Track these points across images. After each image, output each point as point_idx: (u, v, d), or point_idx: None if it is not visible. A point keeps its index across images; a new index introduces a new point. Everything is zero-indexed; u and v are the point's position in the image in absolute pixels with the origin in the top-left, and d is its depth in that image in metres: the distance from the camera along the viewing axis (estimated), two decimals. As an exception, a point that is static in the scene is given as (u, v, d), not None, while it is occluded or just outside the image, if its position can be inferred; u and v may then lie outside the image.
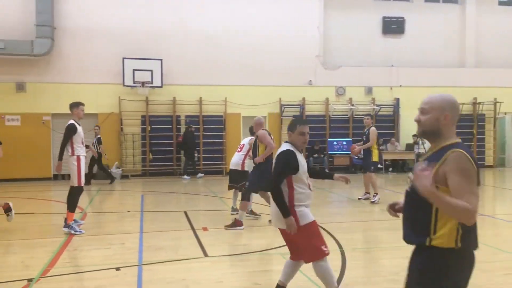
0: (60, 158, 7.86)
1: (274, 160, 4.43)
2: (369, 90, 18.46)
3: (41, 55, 15.64)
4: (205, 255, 6.37)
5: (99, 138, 14.80)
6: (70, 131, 8.08)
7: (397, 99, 18.50)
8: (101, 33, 16.46)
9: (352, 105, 18.24)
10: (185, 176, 16.44)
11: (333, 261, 5.90)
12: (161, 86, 16.48)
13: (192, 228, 8.07)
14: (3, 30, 15.41)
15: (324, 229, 7.82)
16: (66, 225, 7.63)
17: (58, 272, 5.57)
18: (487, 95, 18.93)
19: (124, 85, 16.20)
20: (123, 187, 14.36)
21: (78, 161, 7.89)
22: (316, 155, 17.67)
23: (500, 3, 19.95)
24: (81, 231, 7.67)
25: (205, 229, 7.96)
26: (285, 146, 4.38)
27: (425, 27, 19.04)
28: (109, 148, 16.10)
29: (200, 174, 16.89)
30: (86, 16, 16.40)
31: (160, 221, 8.97)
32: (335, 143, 18.03)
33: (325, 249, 4.24)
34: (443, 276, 2.58)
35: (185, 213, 9.63)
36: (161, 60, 16.40)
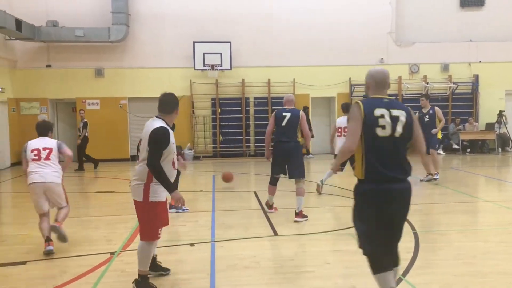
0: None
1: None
2: (445, 67, 17.53)
3: (117, 41, 16.38)
4: (275, 233, 6.45)
5: (85, 122, 14.53)
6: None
7: (476, 76, 17.43)
8: (172, 18, 16.91)
9: (427, 83, 17.44)
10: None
11: (406, 243, 5.78)
12: (230, 69, 16.69)
13: (262, 208, 8.19)
14: (82, 19, 16.29)
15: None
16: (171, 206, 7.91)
17: (137, 247, 5.90)
18: None
19: (195, 69, 16.59)
20: (195, 168, 14.81)
21: None
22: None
23: None
24: (186, 209, 8.03)
25: (275, 209, 8.04)
26: None
27: (508, -3, 17.68)
28: (181, 130, 16.65)
29: (310, 155, 16.71)
30: (158, 1, 16.90)
31: (231, 200, 9.19)
32: (408, 123, 17.36)
33: (159, 234, 4.44)
34: (357, 202, 3.69)
35: (255, 193, 9.78)
36: (230, 42, 16.57)
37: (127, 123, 17.03)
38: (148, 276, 4.53)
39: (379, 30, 17.31)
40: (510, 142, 17.26)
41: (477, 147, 17.12)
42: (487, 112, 17.48)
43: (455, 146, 17.18)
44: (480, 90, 17.51)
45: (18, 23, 14.31)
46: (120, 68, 16.85)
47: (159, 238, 4.53)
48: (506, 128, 17.18)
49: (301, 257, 5.39)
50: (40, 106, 16.59)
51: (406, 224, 6.66)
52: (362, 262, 5.09)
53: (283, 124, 7.23)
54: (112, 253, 5.61)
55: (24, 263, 5.37)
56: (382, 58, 17.49)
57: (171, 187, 4.27)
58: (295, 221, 7.08)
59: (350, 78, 17.43)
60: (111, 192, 10.44)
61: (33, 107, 16.56)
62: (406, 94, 17.52)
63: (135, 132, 16.89)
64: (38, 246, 6.01)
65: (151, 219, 4.39)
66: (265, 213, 7.78)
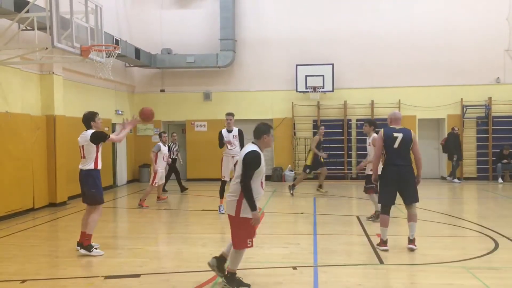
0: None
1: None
2: None
3: (224, 66, 17.18)
4: (381, 262, 6.20)
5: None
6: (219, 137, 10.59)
7: None
8: (275, 42, 17.35)
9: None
10: (455, 180, 15.99)
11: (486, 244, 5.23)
12: (332, 91, 16.61)
13: (366, 234, 7.94)
14: (194, 47, 17.37)
15: (518, 244, 6.95)
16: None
17: (241, 266, 6.02)
18: None
19: (297, 91, 16.78)
20: (298, 190, 14.83)
21: (221, 161, 10.40)
22: (505, 161, 15.77)
23: None
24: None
25: (379, 235, 7.74)
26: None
27: None
28: (282, 151, 16.86)
29: (456, 180, 16.05)
30: (262, 27, 17.46)
31: (333, 224, 9.04)
32: (528, 147, 15.84)
33: (249, 243, 5.05)
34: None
35: (358, 217, 9.53)
36: (332, 64, 16.54)
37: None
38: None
39: (495, 48, 16.14)
40: None
41: None
42: None
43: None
44: None
45: (137, 51, 15.66)
46: (226, 92, 17.61)
47: (249, 247, 5.08)
48: None
49: (409, 289, 5.11)
50: (154, 128, 17.87)
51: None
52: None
53: (395, 146, 6.75)
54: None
55: (138, 276, 5.74)
56: (498, 78, 16.26)
57: (254, 206, 4.88)
58: (410, 249, 6.71)
59: (462, 99, 16.41)
60: (215, 210, 10.84)
61: (148, 129, 17.88)
62: (527, 116, 16.03)
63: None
64: (151, 260, 6.40)
65: (240, 232, 5.03)
66: (369, 239, 7.53)
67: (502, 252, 6.62)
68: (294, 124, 17.29)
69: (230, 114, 10.59)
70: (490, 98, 16.21)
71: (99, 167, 6.86)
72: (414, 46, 16.55)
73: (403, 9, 16.72)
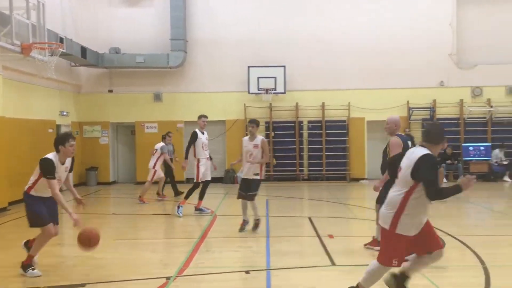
0: (186, 157, 10.19)
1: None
2: (510, 90, 16.66)
3: (175, 67, 16.85)
4: (333, 263, 6.22)
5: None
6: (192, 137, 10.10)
7: (544, 99, 16.44)
8: (228, 43, 17.22)
9: (491, 106, 16.62)
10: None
11: (475, 278, 5.39)
12: (284, 93, 16.69)
13: (318, 235, 7.96)
14: (143, 46, 16.92)
15: (462, 242, 7.19)
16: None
17: (192, 272, 5.86)
18: None
19: (249, 93, 16.73)
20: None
21: (198, 162, 10.02)
22: (449, 162, 16.41)
23: None
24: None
25: (331, 236, 7.80)
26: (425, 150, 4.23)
27: None
28: (235, 153, 16.72)
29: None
30: (214, 27, 17.29)
31: (285, 226, 9.02)
32: (471, 148, 16.58)
33: (394, 262, 4.32)
34: None
35: (310, 219, 9.57)
36: (284, 66, 16.62)
37: (183, 146, 17.32)
38: None
39: (440, 52, 16.76)
40: None
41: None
42: (558, 137, 16.36)
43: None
44: (550, 113, 16.47)
45: (83, 50, 15.07)
46: (177, 93, 17.28)
47: (394, 266, 4.38)
48: None
49: (361, 290, 5.11)
50: (101, 129, 17.28)
51: (473, 257, 6.28)
52: None
53: None
54: (168, 278, 5.59)
55: (83, 285, 5.45)
56: (442, 81, 16.91)
57: (457, 190, 4.04)
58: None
59: (408, 101, 16.93)
60: (167, 214, 10.56)
61: (95, 130, 17.26)
62: (468, 118, 16.78)
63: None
64: (98, 269, 6.11)
65: (389, 248, 4.35)
66: (321, 240, 7.55)
67: (448, 250, 6.77)
68: (246, 126, 17.20)
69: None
70: (434, 101, 16.82)
71: (33, 192, 5.88)
72: (363, 50, 16.90)
73: (351, 15, 17.02)
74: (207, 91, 17.20)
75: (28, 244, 6.18)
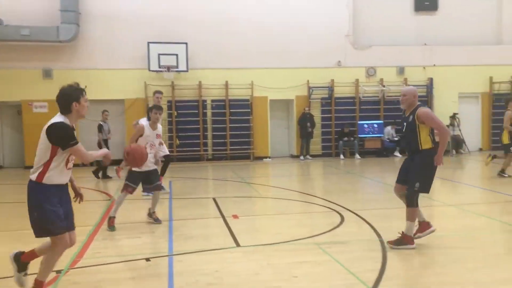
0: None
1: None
2: (401, 70, 17.78)
3: (66, 41, 15.54)
4: (237, 245, 6.11)
5: (99, 124, 13.07)
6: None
7: (431, 79, 17.78)
8: (125, 17, 16.24)
9: (383, 86, 17.62)
10: (308, 157, 16.99)
11: (373, 252, 5.60)
12: (186, 71, 16.22)
13: (222, 216, 7.83)
14: (28, 17, 15.35)
15: (360, 216, 7.48)
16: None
17: (87, 263, 5.41)
18: (526, 73, 18.00)
19: (149, 70, 16.01)
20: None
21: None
22: (346, 139, 17.19)
23: (541, -25, 18.80)
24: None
25: (235, 216, 7.71)
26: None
27: (459, 3, 18.14)
28: (136, 134, 16.00)
29: (309, 157, 17.03)
30: (110, 0, 16.21)
31: (189, 208, 8.78)
32: (365, 125, 17.49)
33: None
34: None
35: (214, 199, 9.41)
36: (186, 44, 16.10)
37: (78, 127, 16.20)
38: None
39: (337, 33, 17.34)
40: (464, 143, 17.71)
41: (432, 149, 17.42)
42: (441, 114, 17.75)
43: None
44: (434, 93, 17.88)
45: (-44, 19, 13.29)
46: (70, 70, 15.99)
47: None
48: (460, 130, 17.62)
49: (267, 271, 5.07)
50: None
51: (371, 231, 6.55)
52: (330, 274, 4.86)
53: None
54: (58, 272, 5.09)
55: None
56: (339, 61, 17.53)
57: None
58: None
59: (308, 81, 17.35)
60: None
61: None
62: (363, 97, 17.63)
63: (85, 136, 16.13)
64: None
65: None
66: (226, 221, 7.43)
67: (347, 225, 7.05)
68: (147, 105, 16.48)
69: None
70: (332, 81, 17.43)
71: (46, 180, 4.10)
72: (264, 29, 16.94)
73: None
74: (104, 68, 16.16)
75: (21, 258, 4.45)
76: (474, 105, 18.43)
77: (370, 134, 17.47)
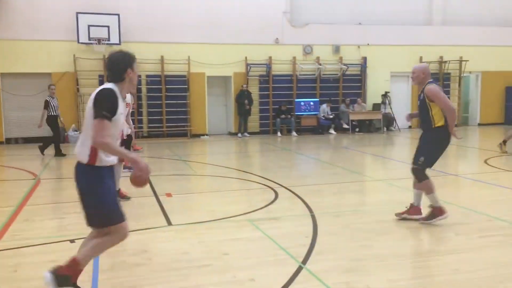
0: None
1: None
2: (336, 49, 18.04)
3: (-15, 8, 14.36)
4: (169, 223, 5.96)
5: (45, 100, 12.36)
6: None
7: (365, 58, 18.20)
8: (51, -15, 15.22)
9: (320, 64, 17.83)
10: (245, 134, 17.02)
11: (304, 226, 5.65)
12: (119, 43, 15.51)
13: (155, 194, 7.61)
14: None
15: (293, 192, 7.55)
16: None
17: (5, 246, 5.06)
18: (453, 53, 18.88)
19: (78, 42, 15.18)
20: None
21: None
22: (283, 116, 17.31)
23: (468, -40, 19.62)
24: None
25: (168, 195, 7.53)
26: None
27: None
28: (65, 110, 15.16)
29: (246, 134, 17.03)
30: (34, -34, 15.09)
31: (122, 186, 8.45)
32: (302, 103, 17.68)
33: None
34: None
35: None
36: (118, 15, 15.38)
37: (0, 101, 15.14)
38: None
39: (275, 10, 17.25)
40: (394, 121, 18.40)
41: (365, 127, 17.99)
42: (374, 93, 18.40)
43: (345, 126, 17.87)
44: (368, 72, 18.34)
45: None
46: (-11, 40, 14.82)
47: None
48: (391, 108, 18.27)
49: (197, 249, 4.97)
50: None
51: (303, 206, 6.64)
52: (261, 251, 4.84)
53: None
54: (-29, 257, 4.71)
55: None
56: (277, 38, 17.49)
57: None
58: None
59: (246, 57, 17.19)
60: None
61: None
62: (300, 75, 17.77)
63: (10, 112, 15.14)
64: None
65: None
66: (158, 200, 7.23)
67: (281, 201, 7.08)
68: (77, 79, 15.69)
69: None
70: (270, 58, 17.39)
71: (99, 163, 3.51)
72: (202, 3, 16.53)
73: (191, -36, 16.42)
74: (28, 38, 15.12)
75: (58, 272, 3.56)
76: (404, 84, 19.14)
77: (307, 112, 17.70)
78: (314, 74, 18.01)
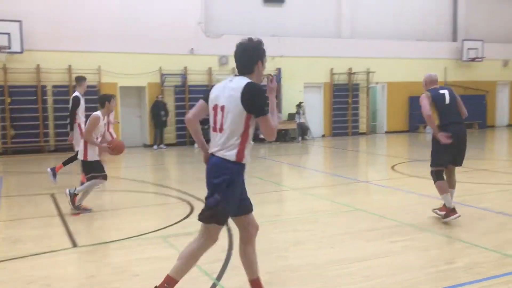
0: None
1: None
2: (251, 60, 18.17)
3: None
4: (74, 245, 5.53)
5: None
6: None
7: (279, 69, 18.56)
8: None
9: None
10: (162, 146, 16.62)
11: (220, 241, 5.49)
12: (21, 52, 14.48)
13: (60, 214, 7.08)
14: None
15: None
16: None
17: None
18: (361, 65, 19.87)
19: (-26, 50, 13.94)
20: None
21: None
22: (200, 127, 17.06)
23: (373, -23, 20.85)
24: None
25: (75, 214, 7.02)
26: None
27: (304, -3, 19.23)
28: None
29: (162, 146, 16.61)
30: None
31: (22, 206, 7.78)
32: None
33: None
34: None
35: (52, 195, 8.50)
36: (20, 22, 14.35)
37: None
38: None
39: (189, 20, 17.08)
40: (308, 130, 18.92)
41: (281, 136, 18.30)
42: (289, 103, 18.80)
43: (262, 136, 18.01)
44: (283, 82, 18.72)
45: None
46: None
47: None
48: (305, 118, 18.77)
49: (104, 272, 4.63)
50: None
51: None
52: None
53: (447, 102, 6.10)
54: None
55: None
56: (192, 48, 17.31)
57: None
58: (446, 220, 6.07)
59: (161, 67, 16.81)
60: None
61: None
62: (216, 85, 17.68)
63: None
64: None
65: None
66: (64, 219, 6.71)
67: (196, 215, 6.88)
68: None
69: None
70: (186, 68, 17.15)
71: (245, 159, 3.58)
72: (114, 11, 15.97)
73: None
74: None
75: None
76: (317, 95, 19.79)
77: (224, 122, 17.60)
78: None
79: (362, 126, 20.51)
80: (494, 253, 4.93)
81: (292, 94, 18.83)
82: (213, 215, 3.46)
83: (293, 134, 18.60)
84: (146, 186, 9.59)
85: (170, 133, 17.18)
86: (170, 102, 17.07)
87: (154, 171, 12.68)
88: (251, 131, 3.42)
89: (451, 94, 6.18)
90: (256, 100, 3.33)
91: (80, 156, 7.04)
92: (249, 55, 3.48)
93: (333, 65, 19.48)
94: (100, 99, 7.12)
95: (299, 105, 18.57)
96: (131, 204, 8.04)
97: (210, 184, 3.49)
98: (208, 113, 3.64)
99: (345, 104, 19.95)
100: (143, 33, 16.38)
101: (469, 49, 21.14)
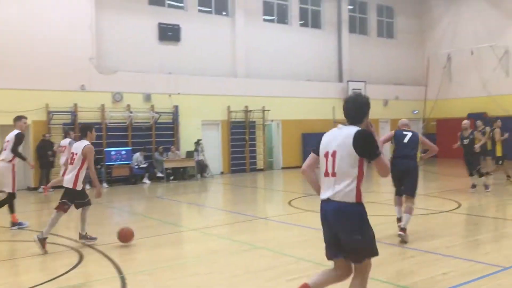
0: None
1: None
2: (147, 97, 17.83)
3: None
4: None
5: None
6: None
7: (176, 107, 18.38)
8: None
9: (131, 112, 17.35)
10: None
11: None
12: None
13: None
14: None
15: (102, 252, 6.86)
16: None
17: None
18: (257, 103, 20.43)
19: None
20: None
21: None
22: (99, 166, 16.13)
23: (264, 20, 21.84)
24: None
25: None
26: None
27: (199, 36, 19.41)
28: None
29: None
30: None
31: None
32: (113, 152, 16.81)
33: None
34: None
35: None
36: None
37: None
38: None
39: (80, 55, 16.31)
40: (207, 168, 18.81)
41: (180, 174, 17.95)
42: (186, 141, 18.60)
43: (159, 174, 17.56)
44: (180, 120, 18.53)
45: None
46: None
47: None
48: (203, 155, 18.67)
49: None
50: None
51: (112, 268, 6.02)
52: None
53: (405, 141, 7.50)
54: None
55: None
56: (83, 85, 16.50)
57: None
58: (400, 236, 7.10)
59: (47, 104, 15.75)
60: None
61: None
62: (110, 123, 16.99)
63: None
64: None
65: None
66: None
67: (86, 264, 6.34)
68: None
69: None
70: (76, 105, 16.26)
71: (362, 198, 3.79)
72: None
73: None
74: None
75: None
76: (215, 132, 19.87)
77: (118, 161, 16.87)
78: (125, 122, 17.42)
79: (260, 163, 20.90)
80: (388, 285, 5.12)
81: (190, 131, 18.69)
82: (362, 251, 3.72)
83: (192, 171, 18.35)
84: (28, 234, 8.68)
85: (58, 174, 15.95)
86: (58, 141, 15.95)
87: (39, 216, 11.58)
88: (364, 173, 3.69)
89: (412, 137, 7.61)
90: (368, 145, 3.67)
91: (69, 185, 7.31)
92: (361, 109, 3.85)
93: (230, 103, 19.79)
94: (81, 129, 7.78)
95: (197, 143, 18.46)
96: (6, 255, 7.19)
97: (339, 228, 3.75)
98: None
99: (243, 141, 20.25)
100: (28, 67, 15.30)
101: (353, 89, 22.80)
